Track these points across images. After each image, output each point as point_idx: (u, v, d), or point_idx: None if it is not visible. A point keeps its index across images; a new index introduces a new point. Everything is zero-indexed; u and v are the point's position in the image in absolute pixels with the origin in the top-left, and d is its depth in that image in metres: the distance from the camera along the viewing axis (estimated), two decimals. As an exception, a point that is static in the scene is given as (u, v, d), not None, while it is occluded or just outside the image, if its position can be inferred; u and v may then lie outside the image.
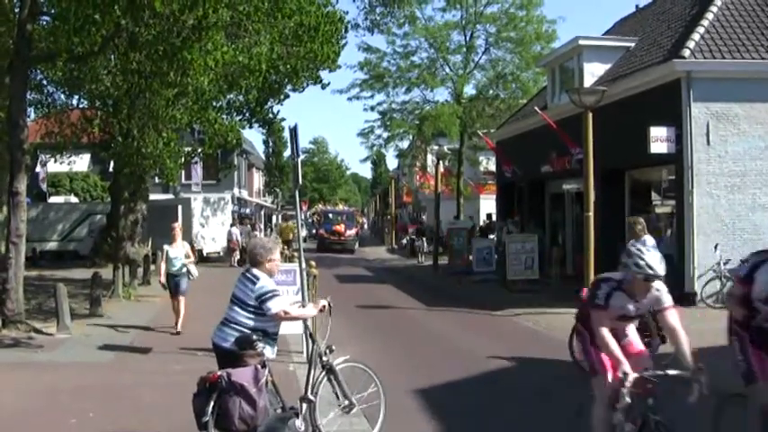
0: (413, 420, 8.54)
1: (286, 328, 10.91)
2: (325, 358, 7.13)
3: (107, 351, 12.57)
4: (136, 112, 18.53)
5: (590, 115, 16.67)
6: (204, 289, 17.02)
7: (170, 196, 38.13)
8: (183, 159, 25.46)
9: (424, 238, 38.87)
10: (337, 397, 7.23)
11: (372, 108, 37.96)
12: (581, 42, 22.81)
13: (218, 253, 35.54)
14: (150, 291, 20.47)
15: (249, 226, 40.56)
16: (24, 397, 9.29)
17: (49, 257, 31.11)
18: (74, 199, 38.59)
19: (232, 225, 35.63)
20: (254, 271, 6.65)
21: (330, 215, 51.39)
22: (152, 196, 29.21)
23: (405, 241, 45.36)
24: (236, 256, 33.23)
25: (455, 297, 21.30)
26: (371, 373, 7.52)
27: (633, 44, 22.47)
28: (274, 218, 73.49)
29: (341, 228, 46.95)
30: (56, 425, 8.11)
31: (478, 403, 9.33)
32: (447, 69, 37.03)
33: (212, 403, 6.09)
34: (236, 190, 50.17)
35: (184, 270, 14.59)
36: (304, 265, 11.85)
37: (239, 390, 6.04)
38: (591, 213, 16.78)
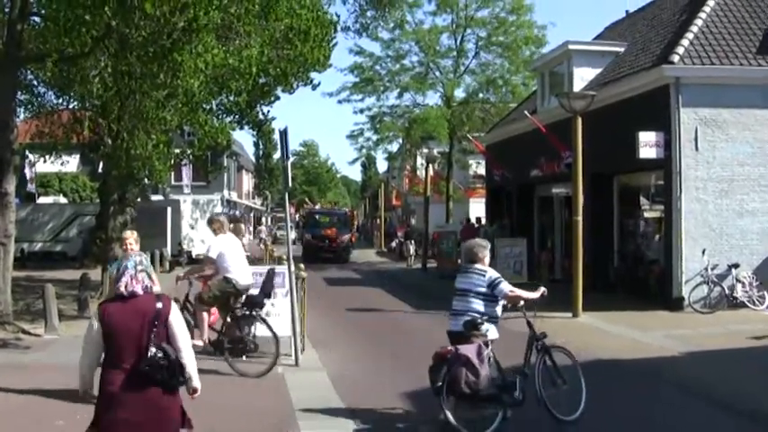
0: (398, 419, 8.57)
1: (279, 331, 10.96)
2: (539, 341, 8.37)
3: (95, 353, 12.50)
4: (125, 114, 18.46)
5: (579, 120, 16.78)
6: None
7: (159, 198, 38.00)
8: (172, 161, 25.37)
9: (413, 241, 38.86)
10: (552, 375, 8.26)
11: (362, 111, 38.02)
12: (571, 47, 22.90)
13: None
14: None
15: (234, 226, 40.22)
16: (11, 398, 9.25)
17: (37, 258, 30.95)
18: (63, 200, 38.41)
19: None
20: (478, 266, 8.16)
21: (318, 216, 43.72)
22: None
23: (394, 244, 45.23)
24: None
25: (444, 300, 21.17)
26: (574, 361, 8.60)
27: (623, 49, 22.57)
28: (263, 220, 73.41)
29: (332, 232, 39.37)
30: (42, 426, 8.08)
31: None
32: (437, 73, 37.13)
33: (443, 372, 7.42)
34: (225, 192, 50.06)
35: None
36: (293, 267, 11.86)
37: (465, 361, 7.33)
38: (580, 218, 16.90)
